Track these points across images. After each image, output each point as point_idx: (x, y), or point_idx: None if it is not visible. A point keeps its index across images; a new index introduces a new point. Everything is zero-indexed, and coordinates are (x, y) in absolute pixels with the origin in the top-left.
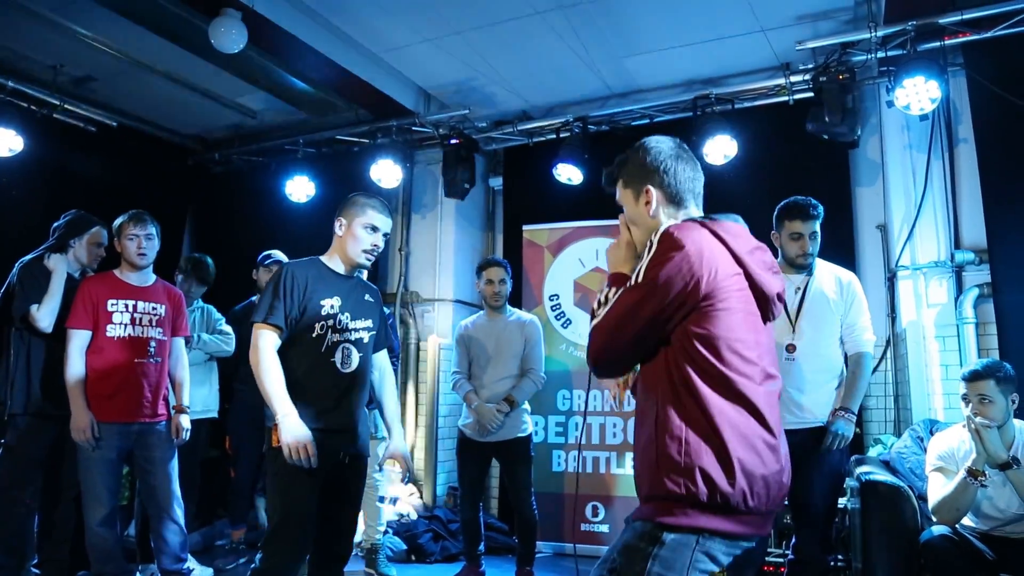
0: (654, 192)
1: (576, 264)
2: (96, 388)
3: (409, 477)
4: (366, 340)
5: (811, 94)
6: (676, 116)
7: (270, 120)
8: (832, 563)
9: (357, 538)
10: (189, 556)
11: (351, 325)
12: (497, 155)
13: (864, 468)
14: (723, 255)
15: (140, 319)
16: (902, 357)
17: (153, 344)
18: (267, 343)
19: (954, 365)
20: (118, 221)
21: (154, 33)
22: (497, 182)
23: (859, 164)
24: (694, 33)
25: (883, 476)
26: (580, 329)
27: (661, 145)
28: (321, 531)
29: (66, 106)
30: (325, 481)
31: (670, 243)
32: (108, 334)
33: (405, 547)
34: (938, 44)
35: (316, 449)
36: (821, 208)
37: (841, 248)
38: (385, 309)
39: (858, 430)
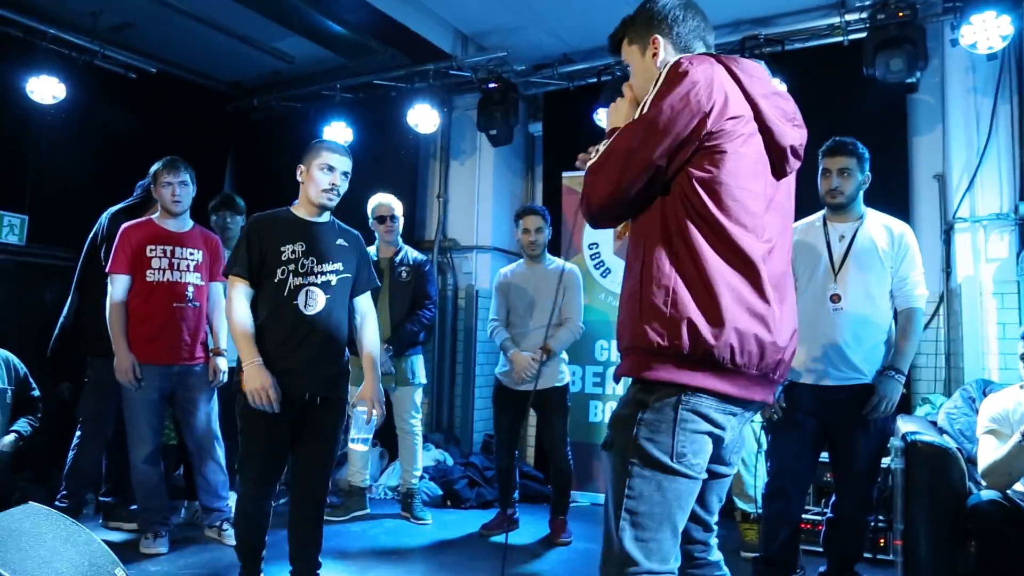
0: (661, 41)
1: None
2: (137, 331)
3: (374, 425)
4: (334, 283)
5: (867, 34)
6: None
7: (307, 65)
8: (873, 523)
9: (393, 482)
10: (231, 493)
11: (316, 269)
12: (537, 100)
13: (910, 428)
14: (735, 93)
15: (178, 264)
16: (956, 314)
17: (191, 289)
18: (236, 292)
19: (1012, 324)
20: (153, 168)
21: None
22: (537, 128)
23: (917, 110)
24: None
25: (930, 436)
26: (620, 278)
27: None
28: (295, 471)
29: (106, 53)
30: (295, 421)
31: (678, 73)
32: (148, 279)
33: (441, 492)
34: None
35: (279, 394)
36: (856, 146)
37: (894, 198)
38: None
39: (905, 390)
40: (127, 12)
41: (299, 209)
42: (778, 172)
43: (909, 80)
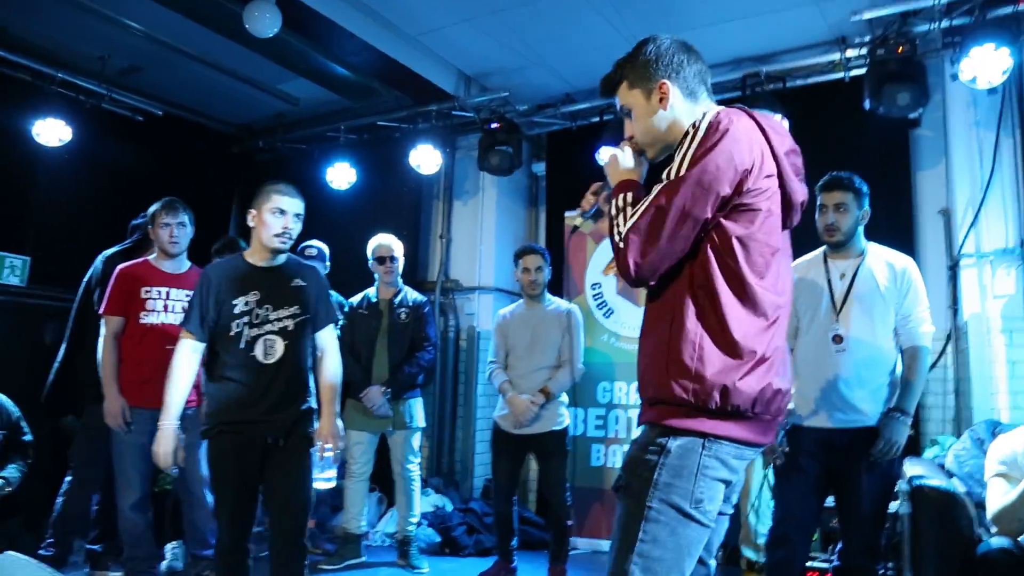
0: (670, 87)
1: None
2: (130, 374)
3: (330, 462)
4: (291, 327)
5: (867, 70)
6: (724, 96)
7: (312, 107)
8: (882, 571)
9: (391, 529)
10: None
11: (272, 316)
12: (540, 140)
13: (916, 471)
14: (767, 151)
15: (173, 307)
16: (963, 352)
17: None
18: (182, 348)
19: (1022, 362)
20: (151, 209)
21: (190, 19)
22: (540, 167)
23: (920, 145)
24: (743, 6)
25: (937, 480)
26: (623, 319)
27: (665, 40)
28: (269, 513)
29: (113, 96)
30: (261, 464)
31: (718, 131)
32: (142, 321)
33: (439, 539)
34: (1011, 9)
35: (182, 457)
36: (852, 180)
37: (899, 234)
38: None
39: (912, 431)
40: (135, 56)
41: (252, 255)
42: (785, 224)
43: (911, 116)
